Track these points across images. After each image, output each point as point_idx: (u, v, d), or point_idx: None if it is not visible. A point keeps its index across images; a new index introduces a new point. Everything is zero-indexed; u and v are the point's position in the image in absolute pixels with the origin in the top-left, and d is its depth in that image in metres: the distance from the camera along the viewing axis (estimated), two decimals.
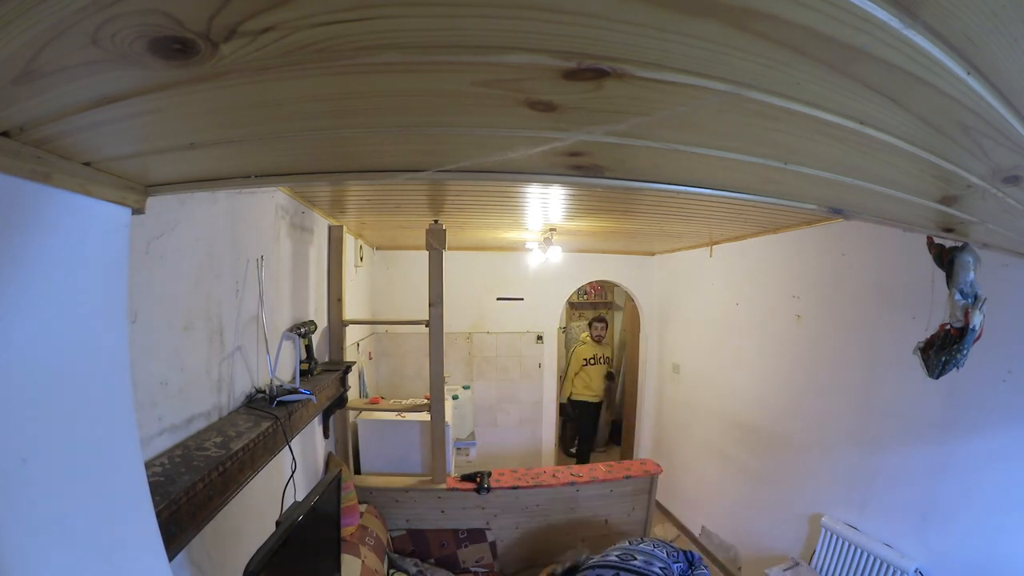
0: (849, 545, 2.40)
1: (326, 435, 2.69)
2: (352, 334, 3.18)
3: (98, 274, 0.72)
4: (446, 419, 2.93)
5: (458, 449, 3.82)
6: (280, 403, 1.65)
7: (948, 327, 1.21)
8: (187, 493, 1.01)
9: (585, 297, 6.67)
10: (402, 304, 4.39)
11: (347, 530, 2.31)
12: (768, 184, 0.82)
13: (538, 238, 3.56)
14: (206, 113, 0.53)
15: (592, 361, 5.29)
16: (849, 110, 0.51)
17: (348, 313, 2.90)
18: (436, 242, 2.75)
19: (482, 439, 4.66)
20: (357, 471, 3.02)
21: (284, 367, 1.97)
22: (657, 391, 4.93)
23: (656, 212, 2.81)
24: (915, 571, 2.09)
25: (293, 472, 1.69)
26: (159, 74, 0.42)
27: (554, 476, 3.08)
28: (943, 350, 1.22)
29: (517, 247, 4.29)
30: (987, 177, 0.72)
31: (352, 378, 2.90)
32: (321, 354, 2.61)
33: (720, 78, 0.45)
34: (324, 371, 2.40)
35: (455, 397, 3.98)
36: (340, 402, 2.61)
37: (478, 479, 2.92)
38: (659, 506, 4.44)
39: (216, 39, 0.37)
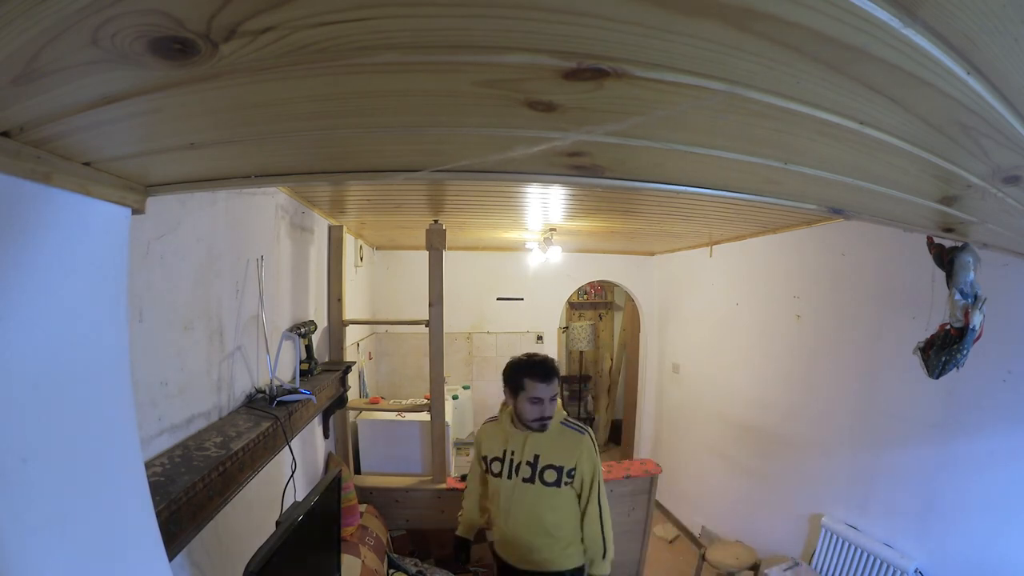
0: (849, 545, 2.41)
1: (326, 435, 2.69)
2: (352, 334, 3.18)
3: (98, 274, 0.72)
4: (446, 419, 2.93)
5: (458, 449, 3.82)
6: (280, 403, 1.65)
7: (948, 327, 1.21)
8: (187, 493, 1.01)
9: (585, 297, 6.67)
10: (402, 304, 4.39)
11: (347, 530, 2.31)
12: (768, 184, 0.82)
13: (538, 238, 3.56)
14: (206, 113, 0.53)
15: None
16: (849, 110, 0.51)
17: (348, 313, 2.90)
18: (436, 242, 2.75)
19: None
20: (357, 471, 3.02)
21: (284, 367, 1.97)
22: (657, 391, 4.93)
23: (656, 212, 2.81)
24: (915, 571, 2.09)
25: (293, 472, 1.69)
26: (159, 74, 0.42)
27: None
28: (943, 350, 1.22)
29: (517, 247, 4.29)
30: (987, 177, 0.72)
31: (352, 378, 2.90)
32: (321, 354, 2.61)
33: (720, 78, 0.45)
34: (324, 371, 2.40)
35: (455, 397, 3.98)
36: (340, 402, 2.61)
37: None
38: (659, 506, 4.44)
39: (216, 39, 0.37)
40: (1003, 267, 1.77)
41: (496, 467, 1.89)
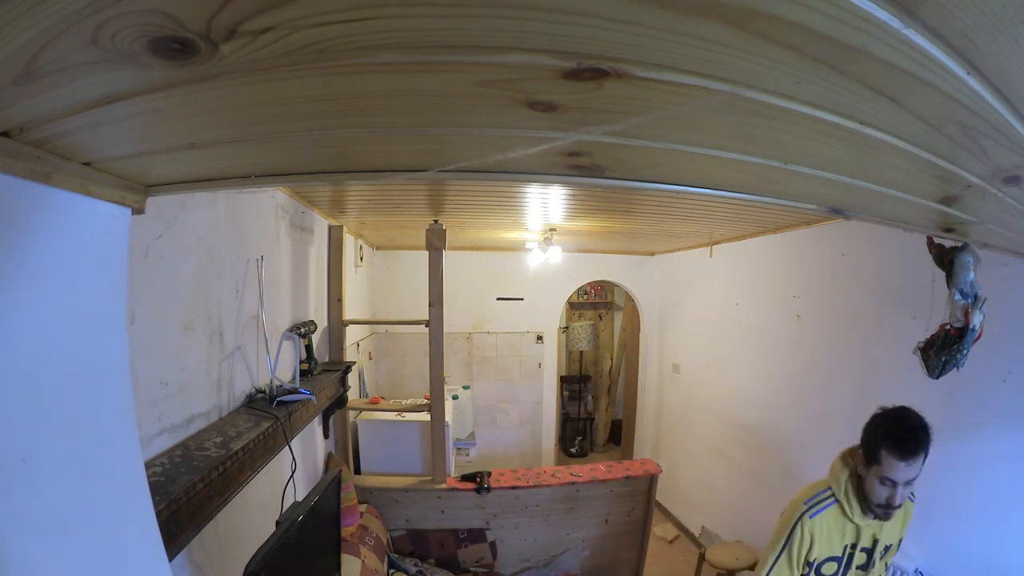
0: None
1: (326, 435, 2.69)
2: (352, 334, 3.18)
3: (98, 274, 0.72)
4: (446, 419, 2.93)
5: (458, 449, 3.82)
6: (280, 403, 1.65)
7: (948, 327, 1.21)
8: (187, 493, 1.01)
9: (585, 297, 6.67)
10: (402, 304, 4.39)
11: (347, 530, 2.31)
12: (768, 184, 0.82)
13: (538, 238, 3.56)
14: (206, 113, 0.53)
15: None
16: (849, 110, 0.51)
17: (348, 313, 2.90)
18: (436, 242, 2.75)
19: (482, 439, 4.67)
20: (357, 471, 3.02)
21: (284, 367, 1.97)
22: (657, 391, 4.93)
23: (656, 212, 2.81)
24: (915, 571, 2.09)
25: (293, 472, 1.69)
26: (159, 74, 0.42)
27: (554, 476, 3.08)
28: (943, 350, 1.22)
29: (517, 247, 4.29)
30: (987, 177, 0.72)
31: (352, 378, 2.90)
32: (321, 354, 2.61)
33: (720, 78, 0.45)
34: (324, 371, 2.40)
35: (455, 397, 3.98)
36: (340, 402, 2.61)
37: (478, 479, 2.92)
38: (659, 506, 4.44)
39: (216, 39, 0.37)
40: (1003, 267, 1.77)
41: (829, 570, 1.41)
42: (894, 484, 1.28)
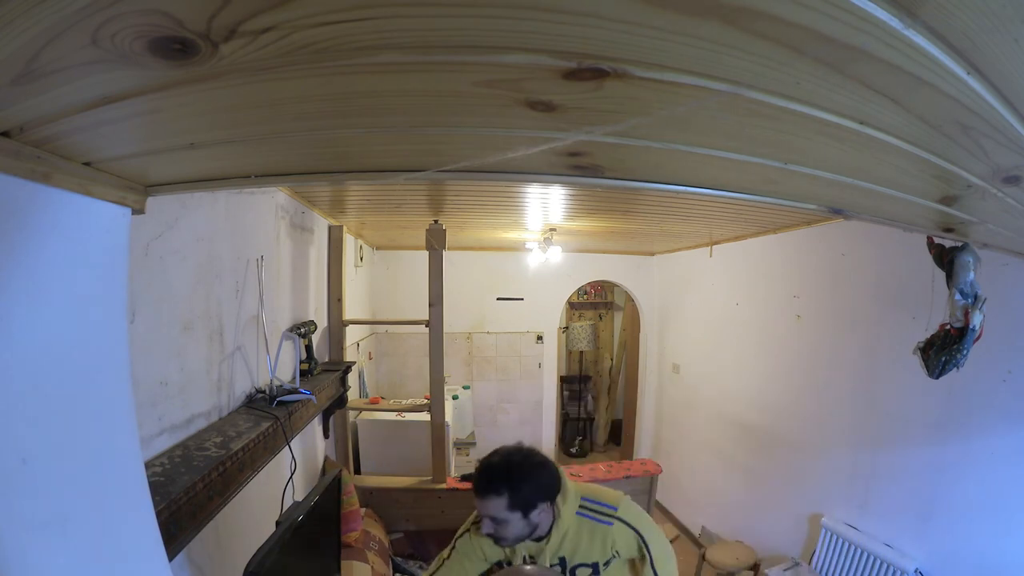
0: (849, 545, 2.41)
1: (326, 435, 2.69)
2: (352, 334, 3.18)
3: (98, 274, 0.72)
4: (446, 419, 2.93)
5: (458, 449, 3.82)
6: (280, 403, 1.65)
7: (948, 327, 1.21)
8: (187, 493, 1.01)
9: (585, 297, 6.67)
10: (402, 304, 4.39)
11: (351, 535, 2.30)
12: (768, 184, 0.82)
13: (538, 238, 3.56)
14: (206, 113, 0.53)
15: None
16: (849, 110, 0.51)
17: (348, 313, 2.90)
18: (436, 242, 2.75)
19: (482, 439, 4.66)
20: (357, 471, 3.02)
21: (284, 367, 1.97)
22: (657, 391, 4.93)
23: (656, 212, 2.81)
24: (915, 571, 2.09)
25: (293, 472, 1.69)
26: (159, 74, 0.42)
27: None
28: (943, 350, 1.22)
29: (517, 247, 4.29)
30: (987, 177, 0.72)
31: (352, 378, 2.90)
32: (321, 354, 2.61)
33: (720, 78, 0.45)
34: (324, 371, 2.40)
35: (455, 397, 3.98)
36: (340, 402, 2.61)
37: None
38: (659, 506, 4.44)
39: (216, 39, 0.37)
40: (1003, 267, 1.77)
41: None
42: (487, 519, 1.29)
